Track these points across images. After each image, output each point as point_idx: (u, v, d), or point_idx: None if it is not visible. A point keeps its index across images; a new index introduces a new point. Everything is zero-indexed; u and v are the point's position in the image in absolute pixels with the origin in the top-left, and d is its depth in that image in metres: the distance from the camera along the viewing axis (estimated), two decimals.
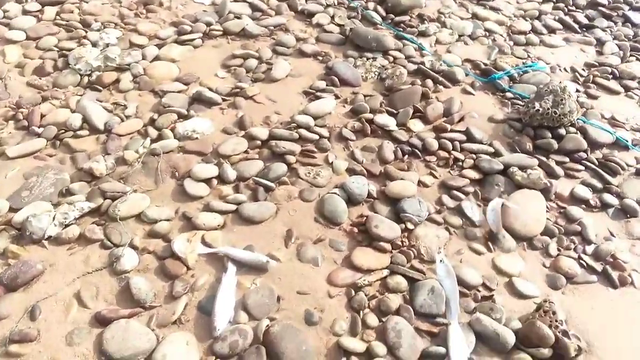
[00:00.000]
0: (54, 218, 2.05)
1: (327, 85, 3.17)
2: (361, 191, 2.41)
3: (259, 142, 2.65)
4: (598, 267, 2.27)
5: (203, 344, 1.75)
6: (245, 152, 2.60)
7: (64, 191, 2.28)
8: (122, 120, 2.71)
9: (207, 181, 2.39)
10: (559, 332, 1.84)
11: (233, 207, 2.27)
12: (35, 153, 2.49)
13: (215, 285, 1.93)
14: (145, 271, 1.97)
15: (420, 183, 2.56)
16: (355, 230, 2.26)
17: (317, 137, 2.73)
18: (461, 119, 3.00)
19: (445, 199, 2.50)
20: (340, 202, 2.34)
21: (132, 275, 1.95)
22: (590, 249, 2.37)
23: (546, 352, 1.80)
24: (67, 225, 2.08)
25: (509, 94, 3.30)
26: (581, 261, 2.29)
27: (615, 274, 2.25)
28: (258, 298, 1.89)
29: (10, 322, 1.77)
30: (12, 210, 2.17)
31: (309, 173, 2.52)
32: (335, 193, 2.39)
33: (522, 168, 2.64)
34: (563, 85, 3.00)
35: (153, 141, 2.60)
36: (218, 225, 2.18)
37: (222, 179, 2.42)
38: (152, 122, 2.74)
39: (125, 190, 2.27)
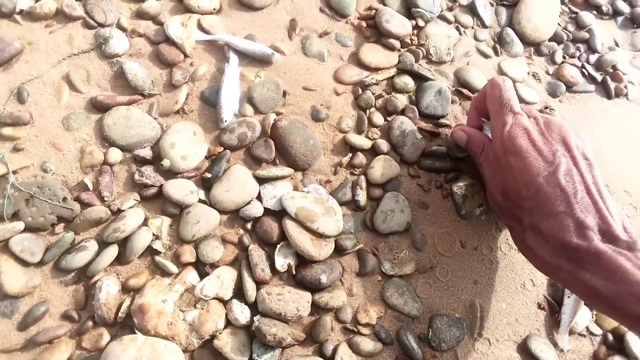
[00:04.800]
0: None
1: None
2: None
3: None
4: (598, 77, 2.22)
5: (210, 135, 1.68)
6: None
7: None
8: None
9: None
10: None
11: None
12: None
13: (217, 76, 1.78)
14: (139, 56, 1.78)
15: None
16: (364, 24, 2.05)
17: None
18: None
19: None
20: None
21: (125, 59, 1.75)
22: (593, 58, 2.28)
23: None
24: None
25: None
26: (583, 70, 2.22)
27: (612, 85, 2.21)
28: (264, 92, 1.77)
29: None
30: None
31: None
32: None
33: None
34: None
35: None
36: (214, 9, 1.92)
37: None
38: None
39: None
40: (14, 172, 1.47)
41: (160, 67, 1.79)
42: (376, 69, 1.97)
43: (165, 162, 1.55)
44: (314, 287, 1.44)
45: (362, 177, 1.70)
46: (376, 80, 1.93)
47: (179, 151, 1.57)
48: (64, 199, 1.46)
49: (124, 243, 1.44)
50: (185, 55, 1.82)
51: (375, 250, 1.59)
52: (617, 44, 2.38)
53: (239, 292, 1.44)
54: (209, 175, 1.58)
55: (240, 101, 1.75)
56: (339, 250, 1.54)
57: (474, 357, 1.50)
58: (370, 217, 1.63)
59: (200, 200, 1.54)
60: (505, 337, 1.55)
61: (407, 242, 1.64)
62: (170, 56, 1.79)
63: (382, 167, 1.72)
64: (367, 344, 1.44)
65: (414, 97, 1.95)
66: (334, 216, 1.55)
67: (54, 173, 1.53)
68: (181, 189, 1.51)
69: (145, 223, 1.46)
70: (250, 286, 1.41)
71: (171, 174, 1.58)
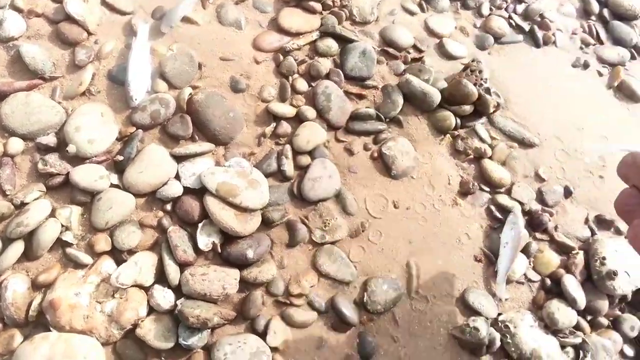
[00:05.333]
0: None
1: None
2: None
3: None
4: (526, 26, 2.18)
5: (120, 115, 1.56)
6: None
7: None
8: None
9: None
10: (482, 89, 1.82)
11: None
12: None
13: (126, 52, 1.65)
14: (37, 38, 1.63)
15: None
16: None
17: None
18: None
19: None
20: None
21: (22, 42, 1.60)
22: (521, 7, 2.24)
23: (468, 108, 1.79)
24: None
25: None
26: (511, 20, 2.18)
27: (540, 34, 2.18)
28: (177, 65, 1.66)
29: None
30: None
31: None
32: None
33: None
34: None
35: None
36: None
37: None
38: None
39: None
40: None
41: (62, 47, 1.64)
42: (297, 34, 1.87)
43: (71, 148, 1.43)
44: (241, 263, 1.36)
45: (288, 146, 1.62)
46: (298, 45, 1.84)
47: (85, 135, 1.45)
48: None
49: (30, 238, 1.32)
50: (89, 33, 1.67)
51: (305, 219, 1.52)
52: None
53: (162, 277, 1.35)
54: (120, 157, 1.46)
55: (152, 77, 1.63)
56: (267, 223, 1.46)
57: (412, 316, 1.46)
58: (298, 186, 1.55)
59: (112, 185, 1.43)
60: (444, 292, 1.52)
61: (337, 207, 1.57)
62: (72, 35, 1.64)
63: (308, 134, 1.64)
64: (301, 315, 1.38)
65: (338, 60, 1.87)
66: (259, 188, 1.47)
67: None
68: (90, 175, 1.40)
69: (52, 214, 1.34)
70: (172, 269, 1.32)
71: (79, 159, 1.45)
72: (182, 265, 1.33)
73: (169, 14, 1.73)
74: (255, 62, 1.77)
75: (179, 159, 1.50)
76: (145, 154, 1.47)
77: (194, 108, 1.58)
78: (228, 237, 1.38)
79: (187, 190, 1.44)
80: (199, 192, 1.44)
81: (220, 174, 1.44)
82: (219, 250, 1.35)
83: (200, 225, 1.37)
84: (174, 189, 1.41)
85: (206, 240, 1.35)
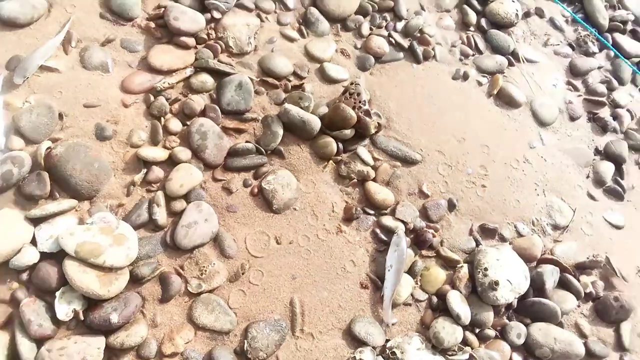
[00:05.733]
0: None
1: None
2: None
3: None
4: (405, 43, 2.20)
5: None
6: None
7: None
8: None
9: None
10: (361, 112, 1.80)
11: None
12: None
13: None
14: None
15: None
16: (153, 25, 1.87)
17: None
18: None
19: None
20: None
21: None
22: (400, 25, 2.26)
23: (349, 132, 1.77)
24: None
25: None
26: (390, 39, 2.19)
27: (420, 49, 2.21)
28: (34, 118, 1.54)
29: None
30: None
31: None
32: None
33: None
34: None
35: None
36: None
37: None
38: None
39: None
40: None
41: None
42: (170, 72, 1.79)
43: None
44: (106, 329, 1.27)
45: (160, 193, 1.53)
46: (169, 83, 1.76)
47: None
48: None
49: None
50: None
51: (180, 269, 1.44)
52: (422, 8, 2.38)
53: (17, 357, 1.23)
54: None
55: (5, 134, 1.50)
56: (137, 280, 1.37)
57: (298, 357, 1.41)
58: (171, 235, 1.47)
59: None
60: (329, 326, 1.47)
61: (215, 252, 1.50)
62: None
63: (181, 178, 1.56)
64: None
65: (215, 95, 1.81)
66: (126, 244, 1.37)
67: None
68: None
69: None
70: (26, 348, 1.20)
71: None
72: (40, 341, 1.21)
73: (23, 63, 1.61)
74: (123, 105, 1.68)
75: (36, 221, 1.38)
76: None
77: (52, 163, 1.47)
78: (92, 302, 1.28)
79: (45, 256, 1.33)
80: (59, 256, 1.33)
81: (81, 234, 1.33)
82: (82, 317, 1.24)
83: (58, 293, 1.26)
84: (29, 256, 1.30)
85: (66, 308, 1.25)
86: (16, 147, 1.50)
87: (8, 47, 1.66)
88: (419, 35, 2.26)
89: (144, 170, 1.56)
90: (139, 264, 1.36)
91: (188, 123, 1.70)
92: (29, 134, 1.52)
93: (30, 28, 1.73)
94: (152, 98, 1.70)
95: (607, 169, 2.13)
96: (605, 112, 2.30)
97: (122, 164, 1.56)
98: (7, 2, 1.71)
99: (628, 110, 2.36)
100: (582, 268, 1.84)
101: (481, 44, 2.34)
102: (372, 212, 1.68)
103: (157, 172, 1.56)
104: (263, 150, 1.71)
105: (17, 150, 1.49)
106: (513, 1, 2.48)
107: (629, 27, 2.68)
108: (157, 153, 1.58)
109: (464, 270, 1.62)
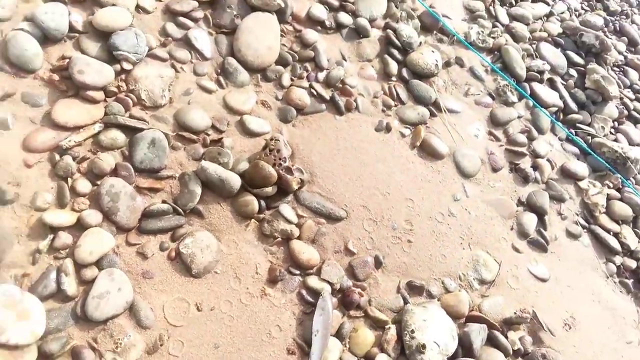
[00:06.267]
0: None
1: None
2: (59, 24, 2.10)
3: None
4: (327, 94, 2.51)
5: None
6: None
7: None
8: None
9: None
10: (282, 169, 2.05)
11: None
12: None
13: None
14: None
15: (140, 9, 2.35)
16: (57, 77, 2.02)
17: None
18: None
19: (171, 27, 2.37)
20: (29, 42, 2.02)
21: None
22: (322, 75, 2.57)
23: (270, 190, 2.01)
24: None
25: None
26: (312, 90, 2.49)
27: (342, 101, 2.52)
28: None
29: None
30: None
31: None
32: (22, 29, 2.05)
33: None
34: None
35: None
36: None
37: None
38: None
39: None
40: None
41: None
42: (76, 128, 1.95)
43: None
44: None
45: (68, 261, 1.67)
46: (75, 141, 1.91)
47: None
48: None
49: None
50: None
51: (94, 343, 1.57)
52: (344, 58, 2.73)
53: None
54: None
55: None
56: (46, 357, 1.49)
57: None
58: (82, 306, 1.60)
59: None
60: None
61: (131, 322, 1.65)
62: None
63: (91, 244, 1.70)
64: None
65: (127, 152, 1.98)
66: (32, 318, 1.49)
67: None
68: None
69: None
70: None
71: None
72: None
73: None
74: (26, 166, 1.81)
75: None
76: None
77: None
78: None
79: None
80: None
81: None
82: None
83: None
84: None
85: None
86: None
87: None
88: (340, 86, 2.59)
89: (51, 236, 1.69)
90: (48, 339, 1.48)
91: (98, 183, 1.85)
92: None
93: None
94: (57, 157, 1.85)
95: (530, 220, 2.52)
96: (526, 163, 2.72)
97: (27, 230, 1.68)
98: None
99: (548, 160, 2.81)
100: (509, 323, 2.16)
101: (403, 95, 2.71)
102: (297, 272, 1.90)
103: (65, 238, 1.69)
104: (181, 210, 1.90)
105: None
106: (433, 51, 2.91)
107: (546, 76, 3.20)
108: (64, 217, 1.72)
109: (392, 332, 1.87)
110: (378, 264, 2.05)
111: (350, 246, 2.04)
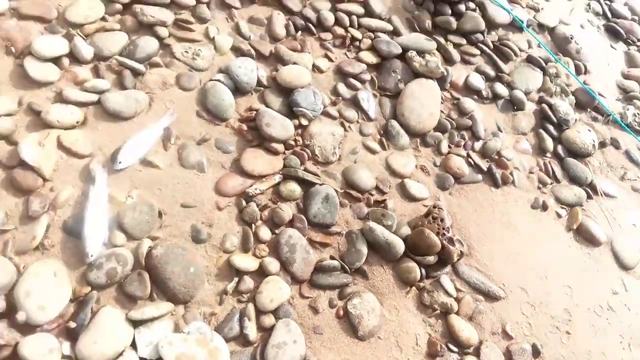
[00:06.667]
0: None
1: None
2: (250, 78, 2.30)
3: (119, 7, 2.32)
4: (484, 165, 2.53)
5: (74, 272, 1.68)
6: (103, 19, 2.27)
7: None
8: None
9: (56, 61, 2.08)
10: (445, 239, 2.08)
11: (94, 97, 2.03)
12: None
13: (82, 200, 1.80)
14: None
15: (315, 68, 2.51)
16: (245, 127, 2.20)
17: (193, 1, 2.47)
18: None
19: (341, 88, 2.51)
20: (225, 93, 2.22)
21: None
22: (478, 145, 2.61)
23: (432, 259, 2.04)
24: None
25: None
26: (469, 159, 2.52)
27: (498, 173, 2.53)
28: (136, 215, 1.82)
29: None
30: None
31: (186, 52, 2.32)
32: (219, 80, 2.26)
33: (421, 53, 2.70)
34: None
35: None
36: (77, 122, 1.97)
37: (75, 57, 2.12)
38: None
39: None
40: None
41: (15, 195, 1.77)
42: (260, 177, 2.10)
43: (20, 316, 1.53)
44: None
45: (251, 306, 1.78)
46: (260, 190, 2.06)
47: (35, 300, 1.56)
48: None
49: None
50: (45, 179, 1.81)
51: None
52: (499, 129, 2.75)
53: None
54: (73, 324, 1.57)
55: (109, 228, 1.78)
56: None
57: None
58: (261, 353, 1.70)
59: (64, 357, 1.53)
60: None
61: None
62: (27, 182, 1.78)
63: (271, 292, 1.81)
64: None
65: (301, 204, 2.10)
66: (219, 358, 1.61)
67: None
68: (39, 348, 1.49)
69: None
70: None
71: (29, 327, 1.55)
72: None
73: (123, 150, 1.91)
74: (217, 208, 1.97)
75: (136, 323, 1.62)
76: (100, 319, 1.59)
77: (152, 264, 1.73)
78: None
79: None
80: None
81: (179, 344, 1.57)
82: None
83: None
84: None
85: None
86: (118, 242, 1.76)
87: (112, 138, 1.98)
88: (496, 157, 2.60)
89: (236, 279, 1.82)
90: None
91: (277, 232, 1.98)
92: (131, 230, 1.80)
93: (132, 121, 2.06)
94: (243, 203, 2.00)
95: None
96: None
97: (215, 270, 1.83)
98: (112, 94, 2.05)
99: None
100: None
101: (558, 172, 2.68)
102: (455, 349, 1.91)
103: (248, 283, 1.82)
104: (347, 268, 1.97)
105: (120, 246, 1.75)
106: (589, 130, 2.86)
107: None
108: (249, 263, 1.85)
109: None
110: (536, 353, 2.02)
111: (508, 329, 2.02)
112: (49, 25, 2.20)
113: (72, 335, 1.58)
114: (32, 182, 1.79)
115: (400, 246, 2.03)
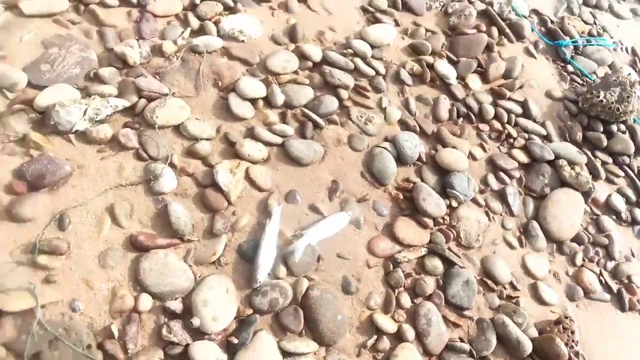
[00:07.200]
0: (84, 113, 1.98)
1: (388, 5, 3.09)
2: (412, 152, 2.47)
3: (310, 64, 2.59)
4: (614, 286, 2.53)
5: (241, 293, 1.86)
6: (295, 72, 2.54)
7: (91, 75, 2.18)
8: None
9: (253, 101, 2.35)
10: (572, 352, 2.10)
11: (279, 139, 2.27)
12: (55, 16, 2.32)
13: (257, 230, 2.00)
14: (184, 196, 2.00)
15: (470, 155, 2.64)
16: (401, 196, 2.35)
17: (372, 72, 2.70)
18: (520, 87, 3.06)
19: (491, 179, 2.62)
20: (390, 161, 2.39)
21: (170, 198, 1.96)
22: (611, 265, 2.61)
23: None
24: (97, 122, 2.02)
25: (569, 67, 3.37)
26: (601, 277, 2.53)
27: (627, 297, 2.51)
28: (300, 255, 1.98)
29: (35, 227, 1.76)
30: (32, 86, 2.06)
31: (361, 116, 2.53)
32: (385, 148, 2.43)
33: (571, 163, 2.77)
34: (633, 79, 3.06)
35: (193, 33, 2.48)
36: (262, 159, 2.20)
37: (268, 101, 2.39)
38: (193, 6, 2.58)
39: (162, 92, 2.20)
40: (42, 307, 1.60)
41: (203, 211, 2.00)
42: (408, 246, 2.22)
43: (196, 321, 1.70)
44: None
45: None
46: (408, 258, 2.18)
47: (211, 311, 1.73)
48: (89, 346, 1.58)
49: None
50: (230, 203, 2.04)
51: None
52: (633, 254, 2.74)
53: None
54: (235, 340, 1.73)
55: (275, 260, 1.95)
56: None
57: None
58: None
59: None
60: None
61: None
62: (215, 202, 2.01)
63: (406, 357, 1.90)
64: None
65: (441, 281, 2.19)
66: None
67: (82, 313, 1.66)
68: (208, 355, 1.66)
69: None
70: None
71: (199, 333, 1.72)
72: None
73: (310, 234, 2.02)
74: (367, 265, 2.10)
75: (286, 354, 1.76)
76: (258, 341, 1.75)
77: (308, 303, 1.88)
78: None
79: None
80: None
81: None
82: None
83: None
84: None
85: None
86: (281, 275, 1.93)
87: (290, 180, 2.18)
88: (626, 281, 2.59)
89: (375, 337, 1.92)
90: None
91: (415, 301, 2.07)
92: (294, 267, 1.96)
93: (307, 168, 2.26)
94: (391, 266, 2.12)
95: None
96: None
97: (358, 322, 1.95)
98: (296, 141, 2.27)
99: None
100: None
101: None
102: None
103: (385, 343, 1.93)
104: (475, 354, 2.03)
105: (280, 278, 1.91)
106: None
107: None
108: (389, 325, 1.95)
109: None
110: None
111: None
112: (250, 68, 2.50)
113: (230, 349, 1.74)
114: (219, 203, 2.02)
115: (528, 347, 2.07)
